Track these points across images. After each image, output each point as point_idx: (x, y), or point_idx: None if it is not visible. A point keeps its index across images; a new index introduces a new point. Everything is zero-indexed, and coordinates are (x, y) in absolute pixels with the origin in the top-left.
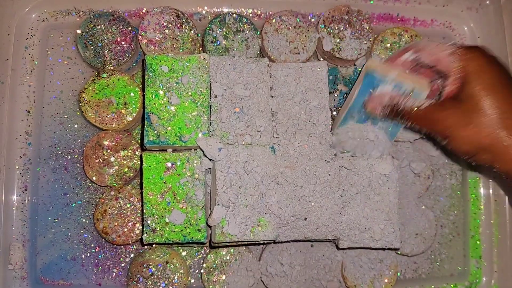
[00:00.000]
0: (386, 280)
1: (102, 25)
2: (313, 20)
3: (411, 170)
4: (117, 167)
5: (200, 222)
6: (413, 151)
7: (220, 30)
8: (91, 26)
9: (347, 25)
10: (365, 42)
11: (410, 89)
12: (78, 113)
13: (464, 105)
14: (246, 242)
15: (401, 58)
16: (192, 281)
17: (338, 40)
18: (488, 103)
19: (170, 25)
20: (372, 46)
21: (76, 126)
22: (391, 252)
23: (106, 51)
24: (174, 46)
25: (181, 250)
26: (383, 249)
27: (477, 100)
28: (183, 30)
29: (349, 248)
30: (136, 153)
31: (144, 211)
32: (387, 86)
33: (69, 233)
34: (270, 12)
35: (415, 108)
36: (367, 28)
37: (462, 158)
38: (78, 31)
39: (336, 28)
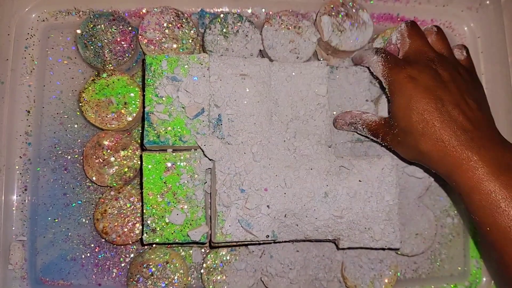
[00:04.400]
0: (386, 280)
1: (102, 25)
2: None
3: (411, 170)
4: (117, 167)
5: (200, 222)
6: None
7: (220, 30)
8: (91, 26)
9: (345, 17)
10: (365, 29)
11: None
12: (78, 113)
13: (393, 126)
14: (246, 242)
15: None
16: (193, 281)
17: (339, 33)
18: (405, 124)
19: (170, 25)
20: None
21: (76, 126)
22: (391, 252)
23: (106, 51)
24: (174, 46)
25: (181, 250)
26: (383, 249)
27: (398, 121)
28: (183, 30)
29: (349, 248)
30: (136, 153)
31: (144, 211)
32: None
33: (69, 233)
34: (270, 12)
35: (368, 123)
36: (366, 17)
37: None
38: (78, 31)
39: (335, 21)
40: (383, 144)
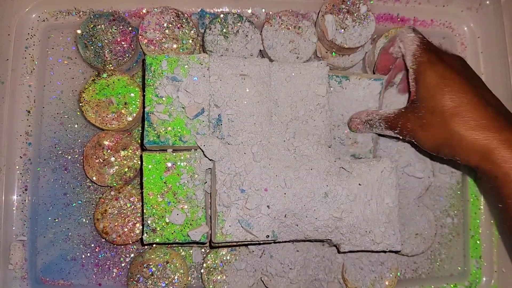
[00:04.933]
0: (387, 283)
1: (102, 25)
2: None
3: (410, 170)
4: (117, 167)
5: (200, 222)
6: (413, 151)
7: (220, 30)
8: (91, 26)
9: (347, 14)
10: (367, 24)
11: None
12: (78, 113)
13: (417, 108)
14: (246, 242)
15: (390, 51)
16: (193, 281)
17: (342, 31)
18: (435, 103)
19: (170, 25)
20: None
21: (76, 126)
22: (392, 254)
23: (106, 51)
24: (174, 46)
25: (181, 250)
26: (384, 251)
27: (425, 102)
28: (183, 30)
29: (350, 252)
30: (136, 153)
31: (144, 211)
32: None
33: (69, 233)
34: (270, 12)
35: (386, 116)
36: (365, 10)
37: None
38: (78, 31)
39: (337, 19)
40: (400, 138)
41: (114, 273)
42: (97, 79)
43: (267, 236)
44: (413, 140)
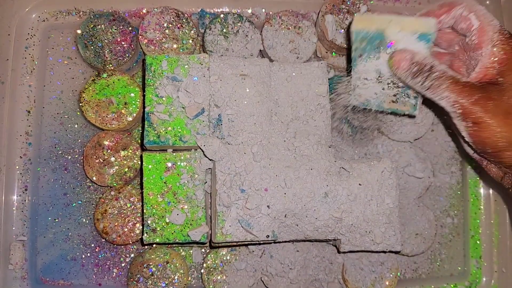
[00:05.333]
0: (387, 283)
1: (102, 25)
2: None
3: (411, 170)
4: (117, 167)
5: (200, 222)
6: (413, 151)
7: (220, 30)
8: (91, 26)
9: (347, 14)
10: None
11: (415, 35)
12: (78, 113)
13: (509, 93)
14: (246, 242)
15: (450, 14)
16: (193, 281)
17: (342, 31)
18: None
19: (170, 25)
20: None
21: (76, 126)
22: (392, 255)
23: (106, 51)
24: (174, 46)
25: (181, 250)
26: (384, 252)
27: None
28: (183, 30)
29: (350, 252)
30: (136, 153)
31: (144, 211)
32: (407, 39)
33: (69, 233)
34: (270, 12)
35: (456, 79)
36: (365, 10)
37: (468, 154)
38: (78, 31)
39: (337, 19)
40: (444, 116)
41: (114, 273)
42: (97, 79)
43: (267, 236)
44: (473, 125)
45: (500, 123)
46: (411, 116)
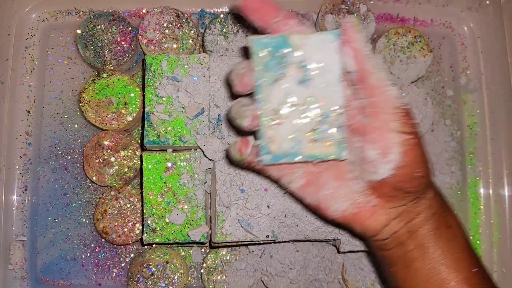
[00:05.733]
0: None
1: (102, 25)
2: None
3: None
4: (117, 167)
5: (200, 222)
6: None
7: (220, 30)
8: (91, 26)
9: (347, 14)
10: (367, 24)
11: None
12: (78, 113)
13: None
14: (246, 242)
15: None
16: (193, 281)
17: None
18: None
19: (170, 25)
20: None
21: (76, 126)
22: None
23: (106, 51)
24: (174, 46)
25: (181, 250)
26: None
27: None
28: (183, 30)
29: (350, 252)
30: (136, 153)
31: (144, 211)
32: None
33: (69, 233)
34: None
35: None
36: (365, 9)
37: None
38: (78, 31)
39: (337, 19)
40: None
41: (114, 273)
42: (97, 79)
43: (267, 236)
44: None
45: (422, 140)
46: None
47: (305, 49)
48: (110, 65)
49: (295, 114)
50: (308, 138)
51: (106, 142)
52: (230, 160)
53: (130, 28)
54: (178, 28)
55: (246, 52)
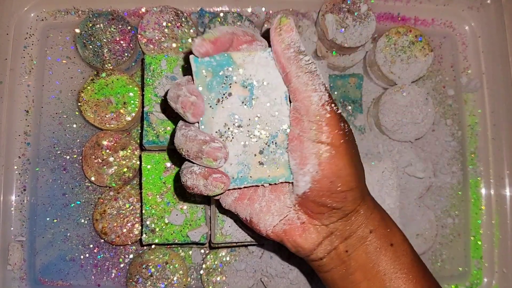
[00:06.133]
0: None
1: (101, 25)
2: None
3: (411, 170)
4: (116, 167)
5: (199, 222)
6: (414, 151)
7: None
8: (90, 25)
9: (347, 13)
10: (368, 23)
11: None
12: (77, 113)
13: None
14: (246, 243)
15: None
16: (192, 282)
17: (342, 30)
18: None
19: (169, 24)
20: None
21: (75, 126)
22: None
23: (105, 51)
24: (174, 45)
25: (180, 250)
26: None
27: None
28: (183, 30)
29: None
30: (135, 153)
31: (143, 211)
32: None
33: (68, 234)
34: (270, 12)
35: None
36: (366, 9)
37: None
38: (77, 31)
39: (338, 18)
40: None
41: (113, 274)
42: (96, 78)
43: None
44: (332, 152)
45: (354, 152)
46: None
47: (248, 67)
48: (109, 65)
49: (241, 136)
50: (255, 161)
51: (105, 142)
52: (187, 187)
53: (129, 28)
54: (178, 27)
55: None
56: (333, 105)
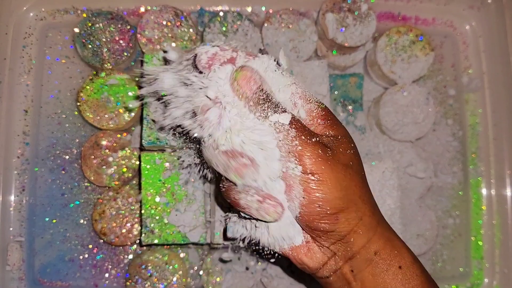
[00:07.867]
0: None
1: (101, 24)
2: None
3: (412, 170)
4: (115, 167)
5: (199, 223)
6: (415, 151)
7: (219, 28)
8: (89, 25)
9: (347, 12)
10: (368, 22)
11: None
12: (76, 112)
13: (343, 145)
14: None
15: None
16: (192, 282)
17: (343, 30)
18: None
19: (169, 23)
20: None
21: (74, 125)
22: None
23: (104, 50)
24: (173, 44)
25: (180, 251)
26: None
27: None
28: (182, 29)
29: None
30: (135, 153)
31: (143, 211)
32: None
33: (67, 234)
34: (270, 11)
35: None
36: (366, 8)
37: None
38: (76, 30)
39: (338, 18)
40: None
41: (112, 275)
42: (95, 78)
43: None
44: (315, 181)
45: (341, 175)
46: None
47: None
48: (108, 64)
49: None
50: None
51: (104, 142)
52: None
53: (128, 27)
54: (177, 26)
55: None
56: (303, 136)
